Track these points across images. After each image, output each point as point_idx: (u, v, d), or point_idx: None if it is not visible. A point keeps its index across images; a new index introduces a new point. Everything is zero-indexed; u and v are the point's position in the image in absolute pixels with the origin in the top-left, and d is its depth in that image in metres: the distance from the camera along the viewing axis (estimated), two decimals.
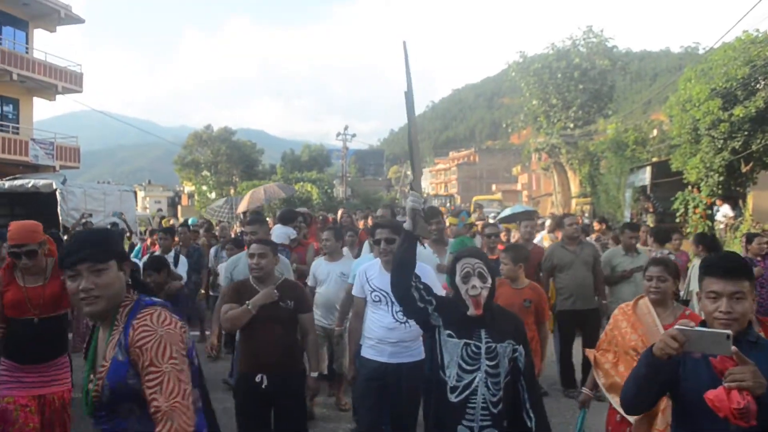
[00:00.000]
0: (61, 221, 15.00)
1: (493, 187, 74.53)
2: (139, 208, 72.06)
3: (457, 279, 3.12)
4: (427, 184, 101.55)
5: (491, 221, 17.15)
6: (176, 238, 10.18)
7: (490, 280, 3.10)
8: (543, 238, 11.76)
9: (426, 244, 5.92)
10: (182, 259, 8.50)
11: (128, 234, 14.70)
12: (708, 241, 8.35)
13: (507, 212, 16.12)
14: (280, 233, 8.27)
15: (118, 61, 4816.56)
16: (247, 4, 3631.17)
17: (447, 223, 8.29)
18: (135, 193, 18.17)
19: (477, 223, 12.67)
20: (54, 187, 15.04)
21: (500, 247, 7.48)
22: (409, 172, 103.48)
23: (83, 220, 13.38)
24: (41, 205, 15.50)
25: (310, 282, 6.50)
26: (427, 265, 4.66)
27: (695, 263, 7.91)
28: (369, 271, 4.64)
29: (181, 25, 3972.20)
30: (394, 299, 3.79)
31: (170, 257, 7.94)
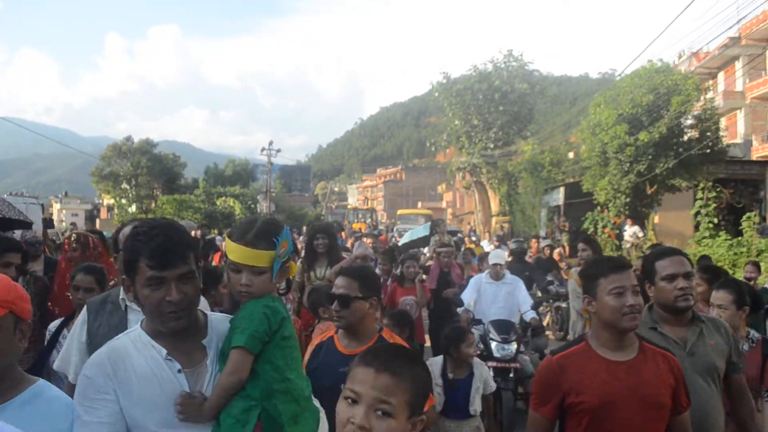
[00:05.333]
0: None
1: (419, 204, 75.37)
2: (55, 222, 69.19)
3: None
4: (354, 200, 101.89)
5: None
6: None
7: None
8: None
9: None
10: None
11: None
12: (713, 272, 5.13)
13: (406, 238, 12.40)
14: None
15: (35, 67, 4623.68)
16: (173, 13, 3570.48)
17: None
18: (42, 205, 17.35)
19: (441, 250, 8.51)
20: None
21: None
22: (337, 188, 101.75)
23: None
24: None
25: None
26: None
27: None
28: None
29: (103, 31, 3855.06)
30: None
31: None
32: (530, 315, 6.94)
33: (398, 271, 7.59)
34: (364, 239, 11.57)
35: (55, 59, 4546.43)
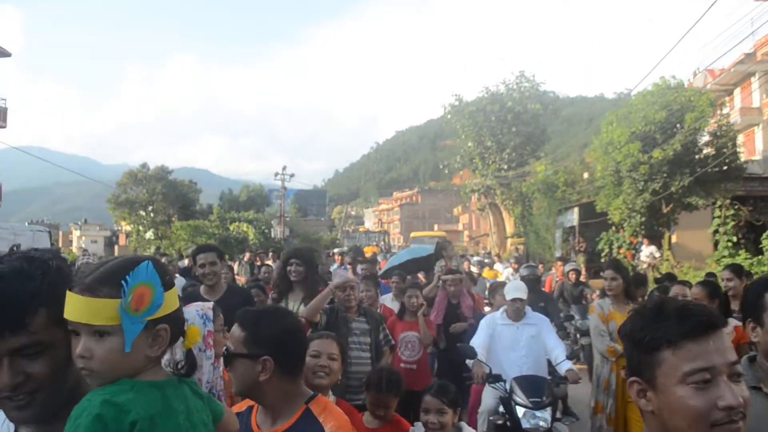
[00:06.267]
0: None
1: (435, 227, 75.02)
2: (74, 249, 70.14)
3: None
4: (370, 224, 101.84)
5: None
6: None
7: None
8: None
9: None
10: None
11: None
12: None
13: (396, 259, 10.64)
14: None
15: (58, 96, 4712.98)
16: (193, 42, 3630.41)
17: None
18: (50, 233, 17.30)
19: (447, 277, 7.10)
20: None
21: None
22: (353, 212, 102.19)
23: None
24: None
25: None
26: None
27: None
28: None
29: (124, 60, 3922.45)
30: None
31: None
32: (565, 366, 5.20)
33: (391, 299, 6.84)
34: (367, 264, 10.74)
35: (77, 88, 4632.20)
